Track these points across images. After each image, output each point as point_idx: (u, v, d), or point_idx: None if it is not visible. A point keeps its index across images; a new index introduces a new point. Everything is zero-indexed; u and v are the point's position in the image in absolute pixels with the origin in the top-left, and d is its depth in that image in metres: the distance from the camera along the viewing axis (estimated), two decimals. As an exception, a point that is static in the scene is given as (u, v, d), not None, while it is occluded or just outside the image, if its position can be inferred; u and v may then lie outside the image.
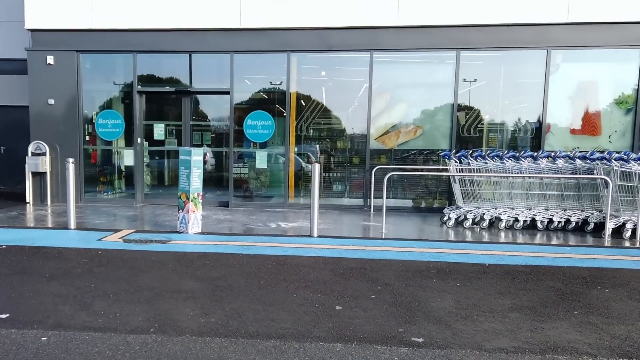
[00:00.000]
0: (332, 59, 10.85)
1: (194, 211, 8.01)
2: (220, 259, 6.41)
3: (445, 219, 9.22)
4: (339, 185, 11.41)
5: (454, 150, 9.42)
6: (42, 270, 5.78)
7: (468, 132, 10.55)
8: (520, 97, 10.44)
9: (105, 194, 11.83)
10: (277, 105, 11.19)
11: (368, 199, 10.78)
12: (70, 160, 8.25)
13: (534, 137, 10.37)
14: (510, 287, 5.25)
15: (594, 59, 10.11)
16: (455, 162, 8.85)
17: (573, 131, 10.20)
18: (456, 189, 8.99)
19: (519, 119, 10.45)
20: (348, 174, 11.25)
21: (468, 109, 10.51)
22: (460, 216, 8.93)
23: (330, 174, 11.36)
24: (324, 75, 11.16)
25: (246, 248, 7.04)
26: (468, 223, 8.76)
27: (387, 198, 10.47)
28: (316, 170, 7.81)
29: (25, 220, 9.15)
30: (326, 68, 11.15)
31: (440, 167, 10.53)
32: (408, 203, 10.94)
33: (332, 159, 11.27)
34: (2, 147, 13.91)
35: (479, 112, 10.56)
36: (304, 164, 11.25)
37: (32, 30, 11.02)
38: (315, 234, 7.89)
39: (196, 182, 7.99)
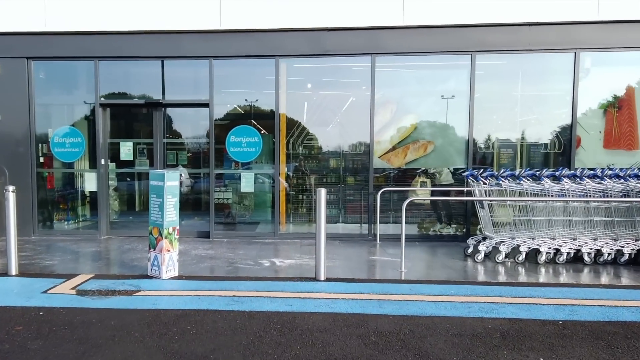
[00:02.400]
0: (327, 64, 9.41)
1: (168, 250, 6.41)
2: (205, 321, 4.83)
3: (469, 250, 7.80)
4: (335, 210, 9.92)
5: (480, 170, 8.00)
6: (-46, 350, 4.13)
7: (487, 147, 9.18)
8: (544, 106, 9.13)
9: (65, 223, 10.11)
10: (264, 120, 9.68)
11: (373, 227, 9.30)
12: (10, 188, 6.59)
13: (562, 153, 9.04)
14: (612, 363, 3.80)
15: (629, 61, 8.86)
16: (484, 183, 7.42)
17: (607, 145, 8.90)
18: (485, 215, 7.57)
19: (544, 132, 9.12)
20: (347, 197, 9.76)
21: (485, 121, 9.14)
22: (489, 248, 7.49)
23: (330, 197, 9.85)
24: (318, 84, 9.69)
25: (238, 301, 5.47)
26: (501, 257, 7.33)
27: (385, 223, 9.08)
28: (322, 196, 6.31)
29: (-42, 263, 7.40)
30: (321, 75, 9.70)
31: (458, 188, 9.12)
32: (412, 229, 9.46)
33: (326, 179, 9.77)
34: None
35: (498, 124, 9.21)
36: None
37: (-27, 34, 9.33)
38: (322, 277, 6.36)
39: (171, 213, 6.41)
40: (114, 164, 10.02)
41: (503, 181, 7.34)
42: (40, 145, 9.70)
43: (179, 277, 6.48)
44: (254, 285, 6.11)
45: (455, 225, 9.44)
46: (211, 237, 9.45)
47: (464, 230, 9.27)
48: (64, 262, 7.34)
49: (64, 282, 6.25)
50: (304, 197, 9.83)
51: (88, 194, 10.16)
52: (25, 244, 8.73)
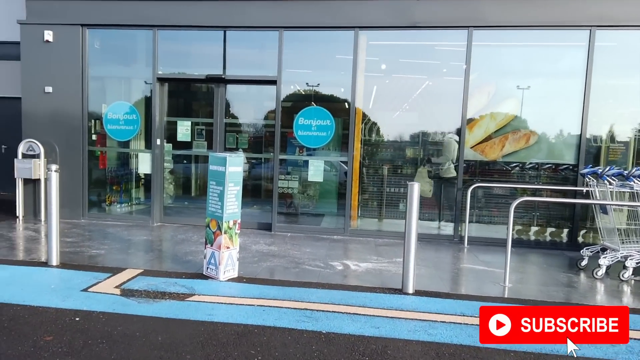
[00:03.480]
0: (414, 39, 8.16)
1: (228, 247, 5.40)
2: (273, 344, 3.79)
3: (583, 263, 6.45)
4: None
5: (605, 167, 6.56)
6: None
7: (611, 140, 7.72)
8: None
9: (117, 207, 9.34)
10: (336, 102, 8.56)
11: (459, 227, 8.03)
12: (53, 167, 5.76)
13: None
14: None
15: None
16: (610, 183, 6.03)
17: None
18: (608, 223, 6.17)
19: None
20: (430, 193, 8.51)
21: (602, 111, 7.67)
22: (612, 261, 6.11)
23: (401, 191, 8.66)
24: (403, 61, 8.46)
25: (311, 317, 4.40)
26: (627, 274, 5.94)
27: (469, 222, 7.79)
28: (414, 192, 5.13)
29: (-2, 246, 6.68)
30: (407, 51, 8.47)
31: (569, 187, 7.71)
32: (499, 231, 8.11)
33: (401, 171, 8.56)
34: (2, 146, 11.57)
35: (617, 114, 7.73)
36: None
37: (26, -2, 8.61)
38: (410, 289, 5.20)
39: (232, 204, 5.39)
40: (170, 144, 9.15)
41: (636, 182, 5.92)
42: (93, 121, 8.93)
43: (239, 279, 5.47)
44: (328, 296, 5.02)
45: (556, 230, 8.02)
46: (273, 229, 8.44)
47: (570, 236, 7.85)
48: (111, 252, 6.48)
49: (108, 277, 5.36)
50: (378, 189, 8.66)
51: (142, 176, 9.35)
52: (73, 228, 7.98)
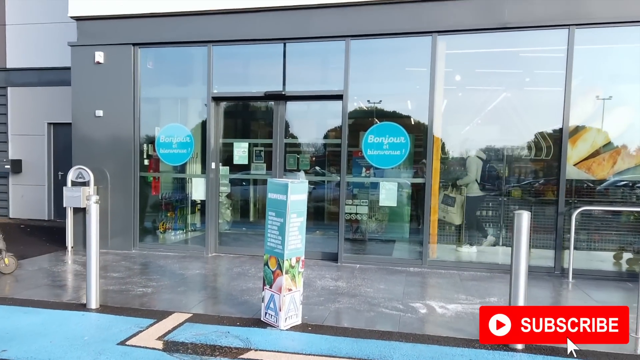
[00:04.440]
0: (501, 44, 7.09)
1: (290, 289, 4.47)
2: None
3: None
4: (494, 230, 7.55)
5: None
6: None
7: None
8: None
9: (170, 235, 8.67)
10: (410, 117, 7.60)
11: (561, 257, 6.79)
12: (93, 198, 5.03)
13: None
14: None
15: None
16: None
17: None
18: None
19: None
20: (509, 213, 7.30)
21: None
22: None
23: (489, 213, 7.53)
24: (486, 70, 7.40)
25: (401, 389, 3.37)
26: None
27: (573, 249, 6.52)
28: (523, 222, 4.05)
29: (37, 283, 6.03)
30: (491, 59, 7.40)
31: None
32: (605, 260, 6.83)
33: (483, 190, 7.44)
34: (60, 173, 11.28)
35: None
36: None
37: (77, 19, 8.18)
38: (519, 345, 4.06)
39: (295, 239, 4.49)
40: (227, 167, 8.42)
41: None
42: (145, 145, 8.33)
43: (303, 327, 4.52)
44: (415, 352, 3.99)
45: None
46: (339, 260, 7.47)
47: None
48: (158, 291, 5.69)
49: (151, 324, 4.54)
50: (461, 215, 7.55)
51: (197, 202, 8.63)
52: (122, 261, 7.31)
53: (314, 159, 9.51)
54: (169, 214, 8.81)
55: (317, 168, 9.33)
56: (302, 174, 8.89)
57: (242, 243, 8.56)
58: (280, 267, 4.42)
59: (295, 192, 4.42)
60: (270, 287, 4.53)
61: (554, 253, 6.84)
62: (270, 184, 4.57)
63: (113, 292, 5.64)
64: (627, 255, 6.87)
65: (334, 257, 7.58)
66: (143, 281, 6.13)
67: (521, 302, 4.04)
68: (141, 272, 6.67)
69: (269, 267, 4.57)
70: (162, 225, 8.68)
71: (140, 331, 4.37)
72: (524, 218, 4.05)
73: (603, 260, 7.00)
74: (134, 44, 8.03)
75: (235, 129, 9.53)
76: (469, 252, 7.53)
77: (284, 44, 7.74)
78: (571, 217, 6.39)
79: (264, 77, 8.18)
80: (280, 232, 4.42)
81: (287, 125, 8.32)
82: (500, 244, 7.57)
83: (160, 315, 4.79)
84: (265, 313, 4.62)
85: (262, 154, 8.82)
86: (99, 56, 8.03)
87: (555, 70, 6.70)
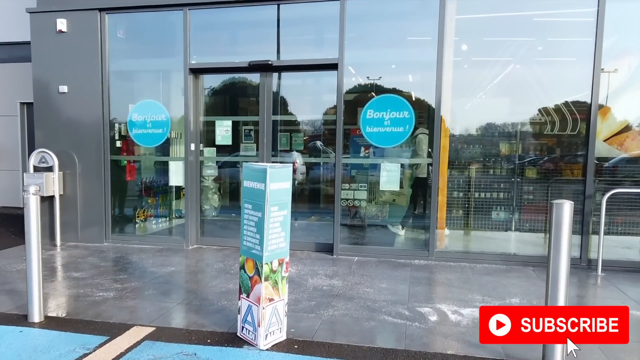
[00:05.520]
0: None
1: (271, 299, 3.61)
2: None
3: None
4: (505, 214, 6.69)
5: None
6: None
7: None
8: None
9: (146, 225, 7.84)
10: (415, 90, 6.69)
11: (587, 247, 5.94)
12: (32, 189, 4.14)
13: None
14: None
15: None
16: None
17: None
18: None
19: None
20: (541, 201, 6.46)
21: None
22: None
23: (497, 195, 6.67)
24: (507, 34, 6.45)
25: None
26: None
27: (603, 238, 5.69)
28: (565, 214, 3.18)
29: (-14, 287, 5.19)
30: (511, 20, 6.42)
31: None
32: (632, 245, 6.03)
33: (500, 171, 6.58)
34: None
35: None
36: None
37: (35, -19, 7.21)
38: (560, 367, 3.24)
39: (277, 236, 3.62)
40: (214, 149, 7.51)
41: None
42: (117, 125, 7.41)
43: (288, 346, 3.68)
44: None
45: None
46: (335, 252, 6.61)
47: None
48: (121, 296, 4.83)
49: (101, 344, 3.69)
50: (470, 198, 6.68)
51: (183, 187, 7.74)
52: (90, 256, 6.46)
53: (309, 138, 8.71)
54: (149, 201, 7.96)
55: (319, 143, 8.51)
56: (296, 154, 8.07)
57: (228, 232, 7.70)
58: (258, 272, 3.55)
59: (276, 179, 3.53)
60: (248, 296, 3.68)
61: (579, 242, 5.96)
62: (246, 170, 3.69)
63: (67, 297, 4.79)
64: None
65: (329, 249, 6.73)
66: (106, 283, 5.27)
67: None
68: (107, 270, 5.81)
69: (245, 272, 3.70)
70: (142, 213, 7.83)
71: (85, 355, 3.51)
72: (566, 210, 3.17)
73: (630, 247, 6.17)
74: (100, 9, 7.07)
75: (221, 106, 8.62)
76: (479, 239, 6.73)
77: (273, 6, 6.77)
78: (602, 201, 5.50)
79: (249, 46, 7.29)
80: (258, 229, 3.55)
81: (280, 101, 7.46)
82: (513, 229, 6.72)
83: (115, 330, 3.94)
84: (242, 327, 3.77)
85: (252, 133, 7.97)
86: (61, 24, 7.08)
87: (584, 30, 5.75)
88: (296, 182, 8.59)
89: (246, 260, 3.69)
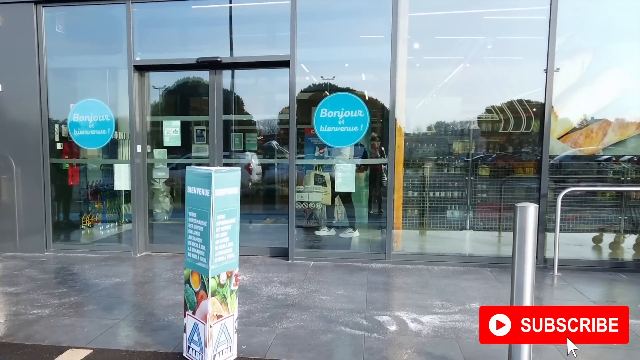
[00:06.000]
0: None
1: (219, 316, 3.36)
2: None
3: None
4: (460, 212, 6.64)
5: None
6: None
7: None
8: None
9: (92, 232, 7.42)
10: (369, 88, 6.54)
11: (544, 247, 5.93)
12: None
13: None
14: None
15: None
16: None
17: None
18: None
19: None
20: (495, 200, 6.42)
21: None
22: None
23: (451, 194, 6.60)
24: (460, 32, 6.35)
25: None
26: None
27: (559, 237, 5.71)
28: (529, 217, 3.06)
29: None
30: (465, 18, 6.32)
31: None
32: (586, 246, 6.07)
33: (453, 169, 6.51)
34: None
35: None
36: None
37: (-37, -29, 6.67)
38: (524, 383, 3.11)
39: (225, 247, 3.38)
40: (165, 150, 7.15)
41: None
42: (57, 126, 6.97)
43: (240, 367, 3.43)
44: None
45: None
46: (291, 257, 6.40)
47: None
48: (58, 314, 4.47)
49: (32, 370, 3.35)
50: (425, 199, 6.59)
51: (126, 192, 7.37)
52: (28, 268, 6.03)
53: (263, 138, 8.50)
54: (96, 205, 7.56)
55: (274, 143, 8.31)
56: (251, 155, 7.85)
57: (179, 238, 7.34)
58: (205, 287, 3.30)
59: (223, 185, 3.28)
60: (194, 312, 3.41)
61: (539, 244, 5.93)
62: (189, 174, 3.42)
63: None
64: (609, 239, 6.08)
65: (284, 253, 6.51)
66: (43, 298, 4.89)
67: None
68: (46, 283, 5.41)
69: (191, 287, 3.44)
70: (89, 218, 7.42)
71: (14, 383, 3.18)
72: (530, 213, 3.05)
73: (583, 244, 6.22)
74: (36, 2, 6.63)
75: (171, 105, 8.27)
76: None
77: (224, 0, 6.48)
78: (557, 200, 5.47)
79: (198, 43, 6.99)
80: (204, 239, 3.29)
81: (234, 100, 7.19)
82: (468, 227, 6.68)
83: (46, 355, 3.60)
84: (189, 347, 3.50)
85: (204, 133, 7.73)
86: (-7, 18, 6.59)
87: (542, 20, 5.70)
88: (251, 183, 8.35)
89: (191, 274, 3.42)
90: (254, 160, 8.16)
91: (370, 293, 5.00)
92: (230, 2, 6.50)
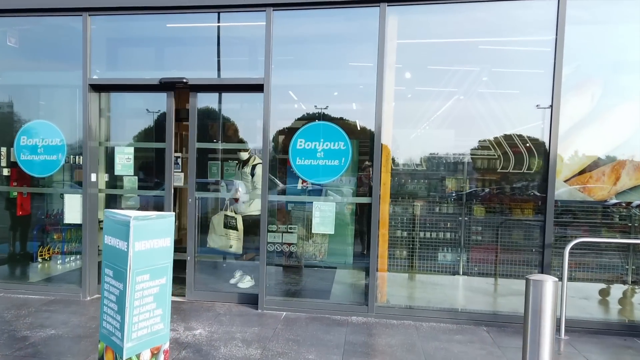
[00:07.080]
0: (468, 12, 5.42)
1: (144, 406, 2.57)
2: None
3: None
4: (453, 255, 5.89)
5: None
6: None
7: None
8: None
9: (38, 269, 6.59)
10: (351, 118, 5.84)
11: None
12: None
13: None
14: None
15: None
16: None
17: None
18: None
19: None
20: (474, 237, 5.70)
21: None
22: None
23: (443, 236, 5.86)
24: (453, 61, 5.69)
25: None
26: None
27: (566, 295, 4.98)
28: (548, 292, 2.32)
29: None
30: (459, 46, 5.67)
31: None
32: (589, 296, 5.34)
33: (445, 209, 5.80)
34: None
35: None
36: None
37: None
38: None
39: (150, 317, 2.63)
40: (136, 177, 6.37)
41: None
42: (4, 150, 6.21)
43: None
44: None
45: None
46: (260, 307, 5.62)
47: None
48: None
49: None
50: (414, 245, 5.84)
51: (72, 225, 6.54)
52: (-47, 314, 5.20)
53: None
54: (54, 237, 6.74)
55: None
56: (237, 183, 7.13)
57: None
58: (122, 369, 2.52)
59: (146, 236, 2.54)
60: (110, 402, 2.63)
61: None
62: (106, 220, 2.68)
63: None
64: (616, 291, 5.37)
65: (254, 300, 5.73)
66: (-48, 358, 4.07)
67: None
68: (-34, 335, 4.59)
69: (106, 367, 2.66)
70: (41, 253, 6.60)
71: None
72: (548, 289, 2.33)
73: (588, 297, 5.49)
74: (-18, 13, 5.92)
75: (137, 129, 7.51)
76: (424, 289, 5.89)
77: (193, 15, 5.82)
78: (564, 252, 4.76)
79: (163, 62, 6.28)
80: (120, 307, 2.53)
81: (202, 126, 6.46)
82: (461, 272, 5.93)
83: None
84: None
85: (179, 161, 7.17)
86: None
87: (547, 47, 5.07)
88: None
89: (106, 350, 2.65)
90: (241, 189, 7.40)
91: (348, 356, 4.22)
92: (199, 19, 5.83)
